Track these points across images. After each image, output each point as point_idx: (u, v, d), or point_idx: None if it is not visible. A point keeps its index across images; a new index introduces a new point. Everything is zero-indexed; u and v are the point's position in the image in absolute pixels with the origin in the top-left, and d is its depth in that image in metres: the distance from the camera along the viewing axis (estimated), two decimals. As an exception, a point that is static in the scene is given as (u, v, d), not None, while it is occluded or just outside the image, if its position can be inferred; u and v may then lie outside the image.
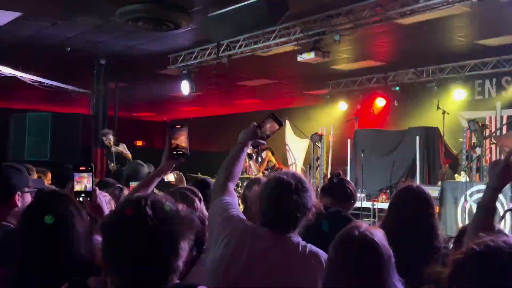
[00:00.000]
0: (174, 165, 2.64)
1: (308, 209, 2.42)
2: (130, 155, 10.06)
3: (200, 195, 2.99)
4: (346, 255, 1.99)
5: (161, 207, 1.61)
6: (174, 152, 2.58)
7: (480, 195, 8.63)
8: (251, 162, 10.10)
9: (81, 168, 2.45)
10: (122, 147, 10.16)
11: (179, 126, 2.62)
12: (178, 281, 1.65)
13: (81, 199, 2.37)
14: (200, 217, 2.78)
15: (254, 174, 10.34)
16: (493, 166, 2.22)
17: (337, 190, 3.95)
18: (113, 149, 10.07)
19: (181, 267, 1.61)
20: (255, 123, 2.75)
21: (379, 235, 2.03)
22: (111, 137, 10.22)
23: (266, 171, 10.38)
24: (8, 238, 2.20)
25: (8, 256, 2.08)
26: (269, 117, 2.75)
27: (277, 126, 2.75)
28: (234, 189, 2.70)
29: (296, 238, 2.43)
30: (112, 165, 10.12)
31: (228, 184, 2.64)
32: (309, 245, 2.43)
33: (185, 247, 1.59)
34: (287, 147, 13.79)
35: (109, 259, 1.59)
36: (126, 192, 3.77)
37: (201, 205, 2.94)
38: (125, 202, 1.69)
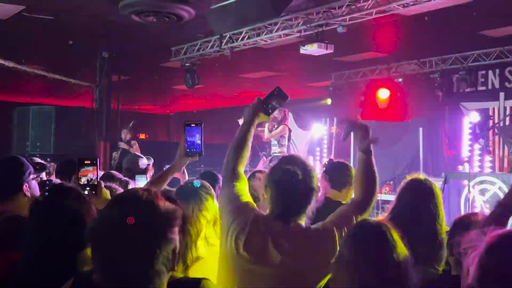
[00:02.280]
0: (187, 163, 2.70)
1: (315, 192, 2.42)
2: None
3: (213, 191, 2.97)
4: (361, 247, 1.99)
5: (141, 205, 1.59)
6: (188, 150, 2.63)
7: (484, 186, 8.64)
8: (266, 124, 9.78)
9: (86, 162, 2.48)
10: (135, 147, 10.21)
11: (194, 125, 2.66)
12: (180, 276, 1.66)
13: (86, 192, 2.39)
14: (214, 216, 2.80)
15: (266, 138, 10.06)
16: None
17: (334, 177, 3.97)
18: (121, 145, 10.15)
19: (175, 260, 1.61)
20: (260, 97, 2.69)
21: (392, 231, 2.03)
22: (126, 134, 10.35)
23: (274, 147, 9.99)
24: (17, 225, 2.22)
25: (17, 241, 2.10)
26: (274, 91, 2.71)
27: (282, 101, 2.71)
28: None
29: (306, 225, 2.41)
30: (115, 154, 10.14)
31: (237, 168, 2.59)
32: (320, 225, 2.42)
33: (173, 239, 1.58)
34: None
35: (96, 260, 1.58)
36: (131, 185, 3.79)
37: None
38: (109, 204, 1.67)
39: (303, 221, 2.41)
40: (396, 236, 1.98)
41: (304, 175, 2.39)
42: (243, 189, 2.56)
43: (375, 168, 2.58)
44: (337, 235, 2.36)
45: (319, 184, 2.48)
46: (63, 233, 1.98)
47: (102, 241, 1.56)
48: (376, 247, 1.95)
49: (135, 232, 1.53)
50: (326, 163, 4.22)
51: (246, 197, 2.54)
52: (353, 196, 2.65)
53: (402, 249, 1.97)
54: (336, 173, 4.04)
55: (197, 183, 2.63)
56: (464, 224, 2.75)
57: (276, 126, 9.82)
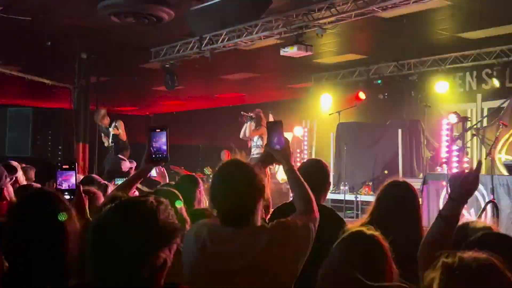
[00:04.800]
0: (153, 168, 2.67)
1: (260, 191, 2.35)
2: (125, 137, 9.91)
3: (181, 197, 2.95)
4: (353, 255, 2.02)
5: (141, 215, 1.60)
6: (154, 156, 2.60)
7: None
8: (247, 124, 9.87)
9: (64, 166, 2.46)
10: (121, 129, 9.97)
11: (159, 130, 2.63)
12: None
13: (65, 197, 2.36)
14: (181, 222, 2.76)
15: (246, 137, 10.09)
16: (458, 179, 2.20)
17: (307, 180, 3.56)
18: (112, 130, 9.86)
19: (161, 275, 1.61)
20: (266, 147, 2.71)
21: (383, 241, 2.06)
22: (107, 118, 10.07)
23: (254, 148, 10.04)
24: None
25: None
26: (270, 131, 2.68)
27: (279, 128, 2.67)
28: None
29: (258, 227, 2.35)
30: (108, 143, 9.94)
31: None
32: (273, 224, 2.38)
33: (160, 256, 1.58)
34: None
35: (90, 260, 1.59)
36: (110, 189, 3.77)
37: (181, 209, 2.89)
38: (113, 205, 1.67)
39: (256, 222, 2.35)
40: (386, 248, 2.01)
41: (243, 176, 2.33)
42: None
43: (303, 184, 2.58)
44: (295, 230, 2.35)
45: (263, 183, 2.39)
46: (41, 238, 1.96)
47: (94, 241, 1.58)
48: (366, 260, 1.98)
49: (124, 239, 1.54)
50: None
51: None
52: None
53: (391, 262, 2.00)
54: (308, 174, 3.67)
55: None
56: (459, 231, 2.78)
57: (255, 127, 9.88)
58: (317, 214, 2.50)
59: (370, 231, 2.09)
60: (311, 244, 2.38)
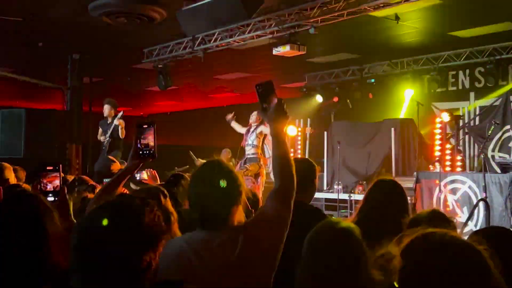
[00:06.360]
0: (141, 165, 2.61)
1: (235, 198, 2.32)
2: (123, 134, 9.54)
3: (166, 192, 2.89)
4: (321, 250, 2.02)
5: (123, 217, 1.58)
6: (141, 152, 2.55)
7: (454, 185, 8.75)
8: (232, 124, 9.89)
9: (48, 168, 2.42)
10: (122, 124, 9.62)
11: (146, 126, 2.56)
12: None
13: (48, 199, 2.33)
14: (166, 216, 2.71)
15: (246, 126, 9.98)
16: None
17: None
18: (116, 121, 9.30)
19: (144, 277, 1.59)
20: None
21: (354, 231, 2.06)
22: (113, 109, 9.65)
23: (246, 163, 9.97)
24: None
25: None
26: (258, 90, 2.53)
27: (270, 88, 2.55)
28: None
29: (233, 228, 2.31)
30: (104, 137, 9.63)
31: None
32: (247, 224, 2.35)
33: (144, 259, 1.56)
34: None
35: (75, 262, 1.57)
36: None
37: (166, 202, 2.83)
38: (101, 206, 1.65)
39: (232, 224, 2.32)
40: (359, 238, 2.01)
41: (220, 181, 2.29)
42: None
43: (287, 152, 2.49)
44: (269, 223, 2.33)
45: (241, 189, 2.35)
46: (19, 241, 1.93)
47: (77, 243, 1.55)
48: (337, 252, 1.97)
49: (107, 241, 1.52)
50: None
51: None
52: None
53: (364, 252, 2.00)
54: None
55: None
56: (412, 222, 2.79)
57: (256, 126, 9.80)
58: (293, 193, 2.42)
59: (338, 223, 2.09)
60: (286, 231, 2.33)
